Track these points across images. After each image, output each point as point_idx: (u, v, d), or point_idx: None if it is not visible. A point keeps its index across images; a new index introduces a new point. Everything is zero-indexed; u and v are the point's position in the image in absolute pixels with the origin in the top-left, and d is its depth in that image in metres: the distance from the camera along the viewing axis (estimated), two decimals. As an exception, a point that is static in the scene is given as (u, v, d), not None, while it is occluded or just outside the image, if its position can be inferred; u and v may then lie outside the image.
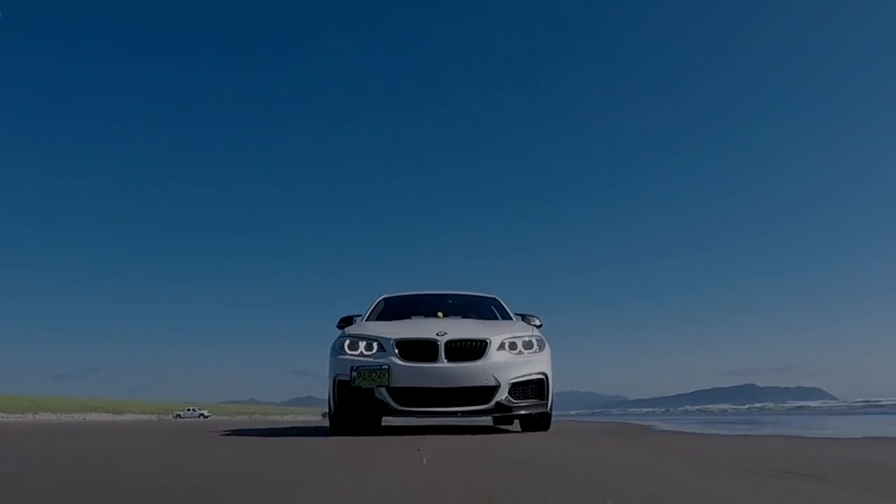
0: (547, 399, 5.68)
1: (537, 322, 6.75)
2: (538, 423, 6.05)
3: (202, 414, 55.43)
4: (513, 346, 5.63)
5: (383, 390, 5.33)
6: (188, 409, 58.58)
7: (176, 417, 51.84)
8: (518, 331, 5.90)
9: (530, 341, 5.75)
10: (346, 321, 6.59)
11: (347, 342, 5.68)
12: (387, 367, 5.33)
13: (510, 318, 6.88)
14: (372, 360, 5.45)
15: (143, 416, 53.53)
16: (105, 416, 51.45)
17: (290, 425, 11.87)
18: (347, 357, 5.55)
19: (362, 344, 5.61)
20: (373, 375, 5.33)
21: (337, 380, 5.55)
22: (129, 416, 51.88)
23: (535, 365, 5.61)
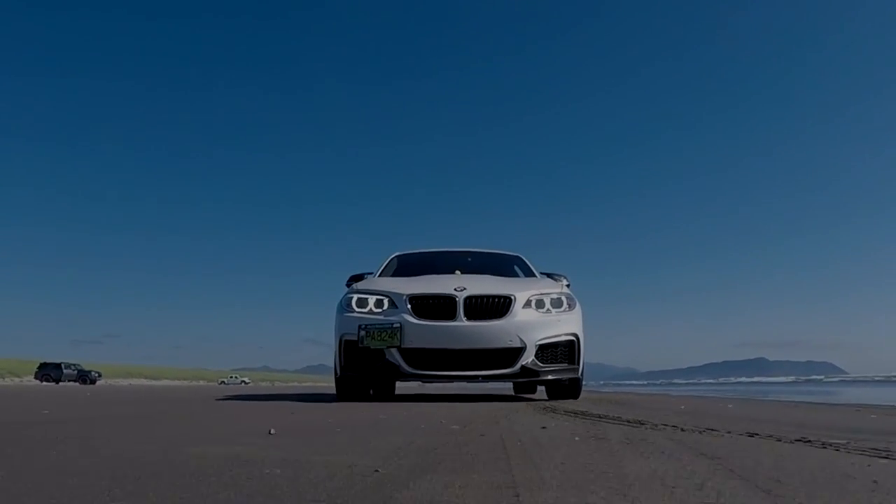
0: (578, 363, 5.08)
1: (565, 282, 6.08)
2: (567, 390, 5.45)
3: (244, 381, 62.26)
4: (540, 303, 5.02)
5: (395, 351, 4.77)
6: (231, 377, 67.12)
7: (221, 384, 54.91)
8: (546, 287, 5.28)
9: (559, 299, 5.13)
10: (356, 279, 6.00)
11: (355, 298, 5.11)
12: (399, 325, 4.76)
13: (535, 277, 6.26)
14: (382, 317, 4.89)
15: (176, 382, 56.34)
16: (145, 382, 54.28)
17: (316, 391, 11.62)
18: (355, 315, 4.99)
19: (372, 300, 5.04)
20: (383, 335, 4.77)
21: (343, 339, 4.99)
22: (165, 382, 54.50)
23: (564, 325, 5.01)
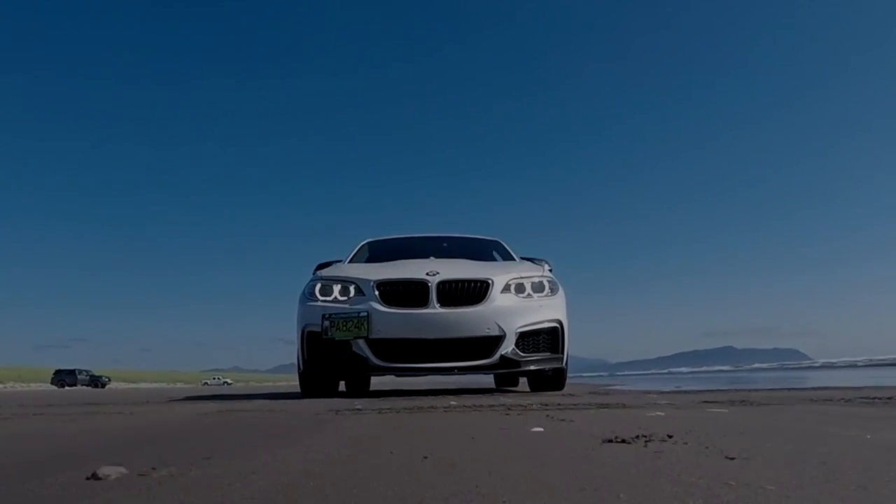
0: (562, 352, 4.72)
1: (547, 266, 5.70)
2: (551, 381, 5.08)
3: (226, 382, 63.78)
4: (520, 288, 4.64)
5: (362, 343, 4.37)
6: (214, 378, 68.33)
7: (204, 385, 55.34)
8: (526, 271, 4.91)
9: (541, 283, 4.76)
10: (323, 266, 5.57)
11: (319, 286, 4.70)
12: (366, 314, 4.36)
13: (514, 261, 5.87)
14: (348, 306, 4.48)
15: (156, 385, 55.64)
16: (123, 385, 53.31)
17: (290, 389, 11.16)
18: (319, 304, 4.58)
19: (337, 288, 4.63)
20: (349, 325, 4.36)
21: (306, 331, 4.59)
22: (143, 385, 53.60)
23: (547, 311, 4.64)
